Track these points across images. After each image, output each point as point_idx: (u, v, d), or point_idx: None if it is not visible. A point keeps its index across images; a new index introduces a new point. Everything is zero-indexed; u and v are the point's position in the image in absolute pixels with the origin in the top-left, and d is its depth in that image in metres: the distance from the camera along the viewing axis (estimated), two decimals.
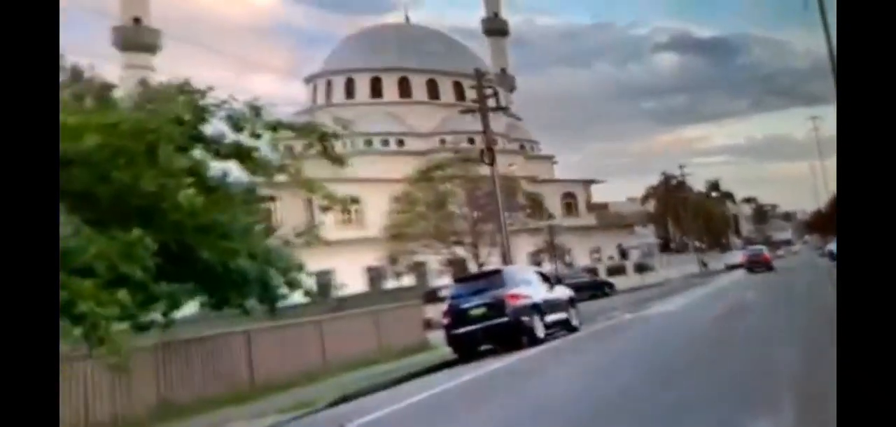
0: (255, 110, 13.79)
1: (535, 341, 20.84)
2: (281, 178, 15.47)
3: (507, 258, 33.38)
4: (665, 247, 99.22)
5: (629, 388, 11.02)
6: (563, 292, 24.49)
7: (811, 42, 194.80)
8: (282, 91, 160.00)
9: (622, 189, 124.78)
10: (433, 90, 75.77)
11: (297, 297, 16.36)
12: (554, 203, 77.10)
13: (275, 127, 14.13)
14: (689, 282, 57.83)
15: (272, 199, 60.12)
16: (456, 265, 51.72)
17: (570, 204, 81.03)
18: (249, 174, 14.88)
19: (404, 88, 75.24)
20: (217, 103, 13.71)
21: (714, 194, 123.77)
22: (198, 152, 13.38)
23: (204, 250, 12.59)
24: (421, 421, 11.93)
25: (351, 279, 52.63)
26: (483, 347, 21.28)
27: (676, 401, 9.40)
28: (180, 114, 12.91)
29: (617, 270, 68.36)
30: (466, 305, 20.97)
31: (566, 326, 23.78)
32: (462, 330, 20.74)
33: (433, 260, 53.41)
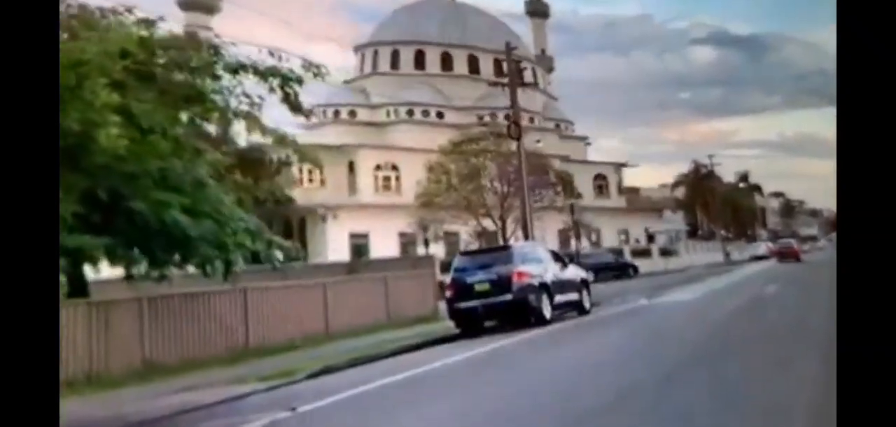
0: (214, 49, 11.87)
1: (541, 321, 19.07)
2: (247, 132, 13.56)
3: (528, 234, 31.46)
4: (693, 234, 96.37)
5: (627, 387, 9.15)
6: (575, 273, 22.62)
7: None
8: (340, 61, 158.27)
9: (657, 175, 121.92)
10: (474, 66, 73.58)
11: (241, 263, 14.52)
12: (586, 184, 75.22)
13: (236, 69, 12.20)
14: (712, 270, 55.32)
15: (316, 163, 59.24)
16: (486, 237, 49.99)
17: (601, 185, 79.00)
18: (201, 120, 13.00)
19: (446, 62, 73.23)
20: (172, 38, 11.79)
21: (742, 185, 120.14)
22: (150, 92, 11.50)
23: (137, 200, 10.78)
24: (379, 409, 10.14)
25: (386, 243, 51.48)
26: (488, 323, 19.60)
27: (673, 405, 7.88)
28: (126, 46, 11.00)
29: (642, 253, 66.21)
30: (471, 280, 19.19)
31: (577, 308, 22.00)
32: (465, 304, 18.97)
33: (464, 231, 51.77)
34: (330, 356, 16.14)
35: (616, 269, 53.58)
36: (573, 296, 21.76)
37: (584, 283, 22.88)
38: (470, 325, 19.03)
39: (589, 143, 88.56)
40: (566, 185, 59.24)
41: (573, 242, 59.34)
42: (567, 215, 61.41)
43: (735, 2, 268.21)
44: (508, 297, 18.78)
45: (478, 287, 19.00)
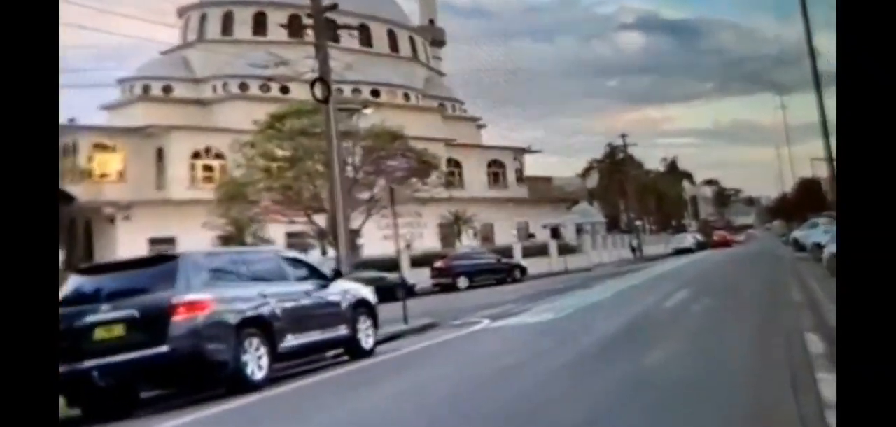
0: None
1: (240, 386, 11.62)
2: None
3: (337, 232, 24.20)
4: (613, 226, 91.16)
5: None
6: (343, 294, 14.97)
7: (781, 29, 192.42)
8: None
9: (580, 166, 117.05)
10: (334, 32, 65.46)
11: None
12: (477, 171, 70.19)
13: None
14: (619, 270, 49.65)
15: (112, 149, 51.06)
16: (328, 240, 42.28)
17: (496, 174, 72.77)
18: None
19: (295, 27, 64.57)
20: None
21: (661, 170, 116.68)
22: None
23: None
24: None
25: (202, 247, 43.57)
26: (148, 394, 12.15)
27: None
28: None
29: (537, 251, 59.57)
30: (88, 320, 11.21)
31: (349, 348, 14.99)
32: (72, 367, 10.75)
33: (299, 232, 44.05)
34: None
35: (498, 272, 47.04)
36: (334, 332, 14.45)
37: (365, 308, 15.50)
38: (86, 400, 11.44)
39: (483, 126, 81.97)
40: (435, 170, 51.38)
41: (458, 240, 52.72)
42: (450, 207, 55.46)
43: None
44: (161, 349, 10.98)
45: (100, 333, 11.14)
